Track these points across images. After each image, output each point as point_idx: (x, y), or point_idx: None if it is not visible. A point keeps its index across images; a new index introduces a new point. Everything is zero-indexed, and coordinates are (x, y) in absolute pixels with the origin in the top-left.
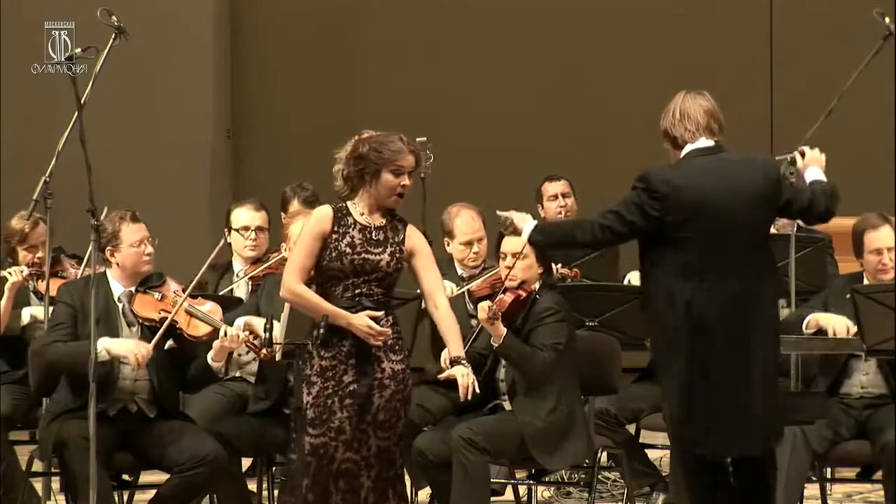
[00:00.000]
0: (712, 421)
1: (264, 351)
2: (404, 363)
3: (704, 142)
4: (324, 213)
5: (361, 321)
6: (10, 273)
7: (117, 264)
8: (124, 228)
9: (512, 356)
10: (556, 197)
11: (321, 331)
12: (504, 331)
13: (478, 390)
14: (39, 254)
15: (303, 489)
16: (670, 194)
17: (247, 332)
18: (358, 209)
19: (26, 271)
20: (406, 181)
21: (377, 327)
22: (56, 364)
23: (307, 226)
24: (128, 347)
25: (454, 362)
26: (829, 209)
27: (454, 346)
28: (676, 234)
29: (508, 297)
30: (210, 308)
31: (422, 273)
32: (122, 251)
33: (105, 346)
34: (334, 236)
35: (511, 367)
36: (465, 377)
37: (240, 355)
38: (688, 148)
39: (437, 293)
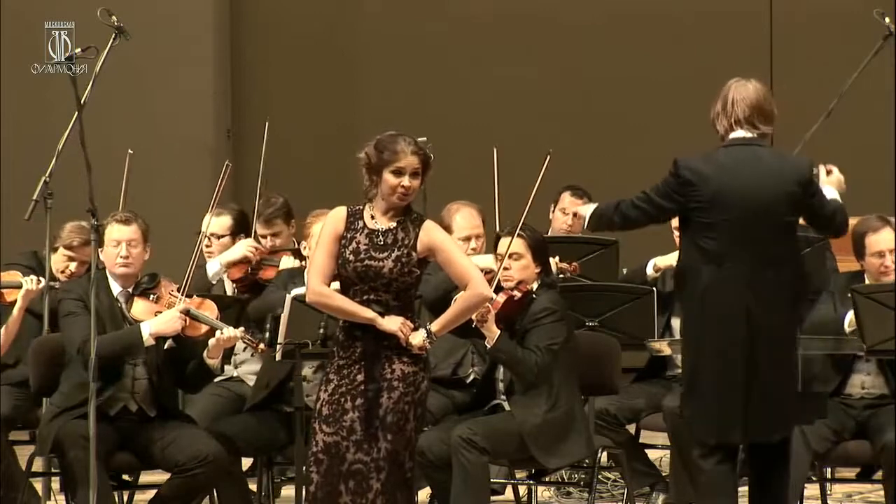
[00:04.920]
0: (718, 406)
1: (262, 346)
2: (416, 366)
3: (741, 133)
4: (337, 214)
5: (393, 323)
6: (27, 281)
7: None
8: (108, 228)
9: (502, 358)
10: (566, 212)
11: (321, 331)
12: (496, 332)
13: (414, 342)
14: (73, 267)
15: (312, 486)
16: (693, 181)
17: (241, 329)
18: (370, 212)
19: (42, 282)
20: (406, 182)
21: (409, 324)
22: (107, 355)
23: (324, 228)
24: (166, 319)
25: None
26: (843, 224)
27: (439, 318)
28: (698, 220)
29: (501, 298)
30: (206, 306)
31: (447, 269)
32: (104, 250)
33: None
34: (343, 241)
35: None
36: (405, 335)
37: (236, 354)
38: (726, 139)
39: (467, 281)
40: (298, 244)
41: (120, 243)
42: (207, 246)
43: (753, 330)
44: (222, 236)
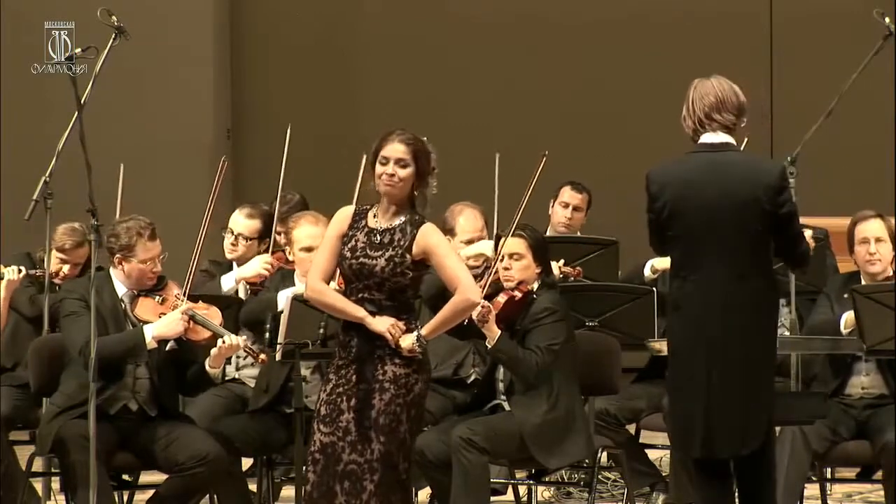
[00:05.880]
0: (688, 420)
1: (262, 356)
2: (409, 368)
3: (710, 137)
4: (344, 213)
5: (383, 324)
6: (8, 271)
7: (123, 271)
8: (139, 245)
9: (503, 359)
10: (567, 206)
11: (321, 331)
12: (497, 332)
13: (403, 345)
14: (66, 269)
15: (309, 485)
16: (658, 193)
17: (244, 338)
18: (374, 211)
19: (24, 271)
20: (389, 170)
21: (399, 325)
22: (108, 356)
23: (329, 226)
24: (168, 322)
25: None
26: (806, 255)
27: (429, 323)
28: (667, 232)
29: (502, 299)
30: (210, 312)
31: (438, 272)
32: (132, 264)
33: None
34: (345, 239)
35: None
36: (394, 337)
37: (237, 358)
38: (696, 143)
39: (457, 286)
40: None
41: (154, 259)
42: (233, 244)
43: (720, 344)
44: (250, 238)
